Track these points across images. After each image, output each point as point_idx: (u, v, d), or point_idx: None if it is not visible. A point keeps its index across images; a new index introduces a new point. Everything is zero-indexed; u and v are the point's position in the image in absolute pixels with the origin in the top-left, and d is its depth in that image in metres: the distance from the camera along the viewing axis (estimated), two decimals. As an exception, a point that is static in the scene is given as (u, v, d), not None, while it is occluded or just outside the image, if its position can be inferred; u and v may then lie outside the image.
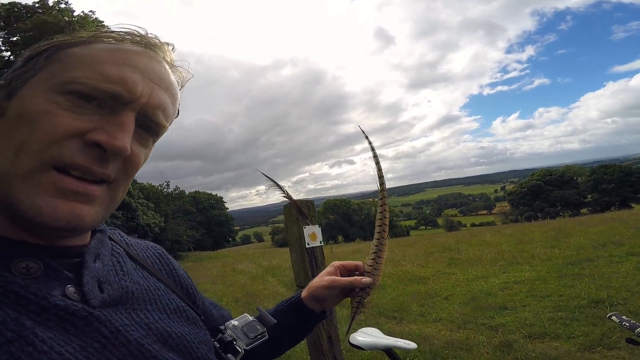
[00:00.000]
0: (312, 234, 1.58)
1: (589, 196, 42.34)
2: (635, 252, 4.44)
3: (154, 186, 22.72)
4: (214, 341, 0.51)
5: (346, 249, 12.79)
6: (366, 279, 0.62)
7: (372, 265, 0.64)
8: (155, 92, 0.38)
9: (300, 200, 1.61)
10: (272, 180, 1.15)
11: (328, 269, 0.67)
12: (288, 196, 1.21)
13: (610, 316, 1.08)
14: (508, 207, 55.12)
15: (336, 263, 0.67)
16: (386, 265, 5.06)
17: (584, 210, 36.29)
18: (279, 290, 5.64)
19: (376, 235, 0.64)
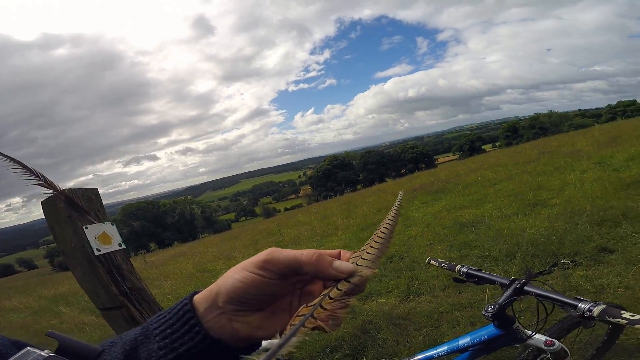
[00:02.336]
0: (103, 235, 1.12)
1: (361, 175, 56.77)
2: (401, 213, 6.25)
3: None
4: None
5: (165, 255, 11.32)
6: (345, 264, 0.33)
7: (368, 254, 0.34)
8: None
9: (73, 189, 1.10)
10: (12, 159, 0.75)
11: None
12: (45, 183, 0.88)
13: (429, 261, 1.22)
14: (310, 190, 64.90)
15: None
16: (217, 261, 4.83)
17: (359, 186, 47.56)
18: (84, 320, 4.33)
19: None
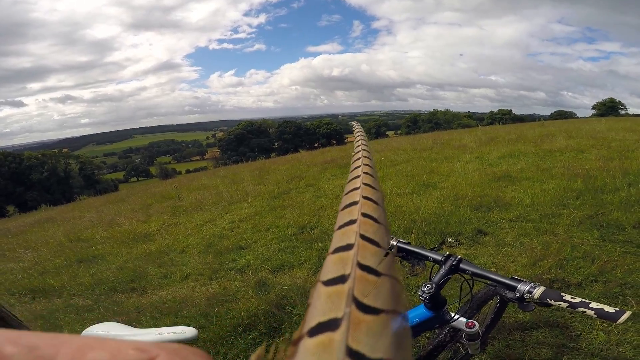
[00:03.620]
0: None
1: (276, 143, 56.51)
2: (311, 183, 6.26)
3: None
4: None
5: (26, 220, 9.19)
6: None
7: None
8: None
9: None
10: None
11: None
12: None
13: None
14: (218, 153, 61.16)
15: None
16: (96, 227, 4.10)
17: (273, 155, 47.07)
18: None
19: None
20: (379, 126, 62.67)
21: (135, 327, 1.12)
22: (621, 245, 2.50)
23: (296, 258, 3.01)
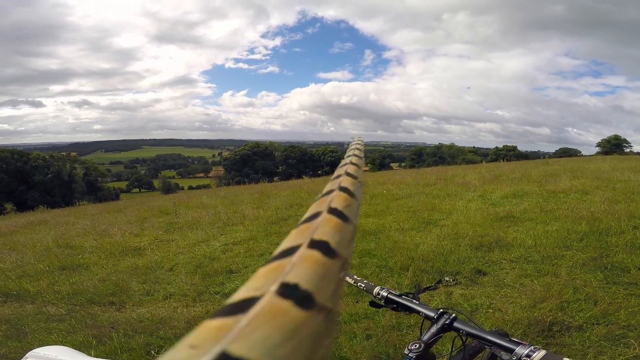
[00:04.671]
0: None
1: (281, 167, 56.93)
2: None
3: None
4: None
5: (19, 220, 9.10)
6: None
7: None
8: None
9: None
10: None
11: None
12: None
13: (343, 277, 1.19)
14: (222, 172, 61.65)
15: None
16: (87, 236, 4.02)
17: (276, 178, 47.34)
18: None
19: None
20: (383, 157, 63.26)
21: (86, 353, 1.03)
22: (625, 287, 2.44)
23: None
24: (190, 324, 2.36)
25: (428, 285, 0.99)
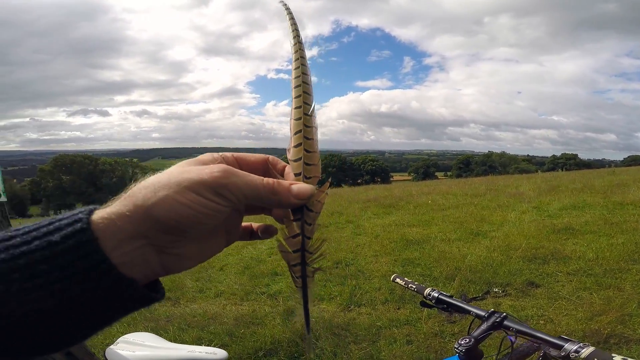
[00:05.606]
0: None
1: (321, 176, 58.17)
2: (351, 220, 6.24)
3: None
4: None
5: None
6: (304, 187, 0.29)
7: (300, 160, 0.31)
8: None
9: None
10: None
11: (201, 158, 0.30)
12: None
13: (395, 279, 1.11)
14: (265, 181, 63.96)
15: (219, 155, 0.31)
16: None
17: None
18: None
19: (294, 104, 0.32)
20: (427, 166, 61.04)
21: (164, 337, 1.18)
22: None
23: (327, 292, 2.96)
24: (238, 321, 2.52)
25: (475, 296, 1.01)
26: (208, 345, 1.48)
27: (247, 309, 2.77)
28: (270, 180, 0.28)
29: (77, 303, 0.22)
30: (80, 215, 0.23)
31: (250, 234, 0.35)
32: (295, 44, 0.33)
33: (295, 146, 0.31)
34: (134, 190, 0.25)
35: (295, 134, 0.31)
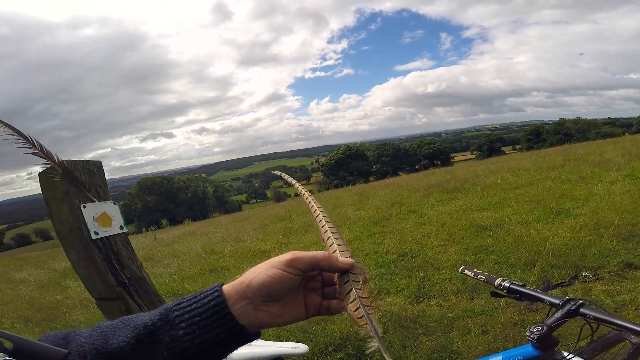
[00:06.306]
0: (102, 216, 1.00)
1: (374, 166, 56.38)
2: (413, 209, 6.09)
3: None
4: None
5: (175, 232, 11.52)
6: (346, 259, 0.44)
7: (340, 246, 0.46)
8: None
9: (73, 162, 0.97)
10: (7, 126, 0.70)
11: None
12: (42, 153, 0.83)
13: (463, 270, 1.10)
14: (321, 177, 64.75)
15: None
16: (225, 243, 4.80)
17: (371, 178, 47.27)
18: (89, 296, 4.44)
19: (323, 220, 0.53)
20: (491, 142, 55.98)
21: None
22: None
23: (394, 285, 2.97)
24: (310, 319, 2.66)
25: (560, 282, 0.96)
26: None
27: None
28: (322, 252, 0.44)
29: (212, 341, 0.38)
30: (216, 288, 0.40)
31: (325, 308, 0.47)
32: (302, 193, 0.58)
33: (329, 241, 0.49)
34: (246, 273, 0.42)
35: (328, 239, 0.49)
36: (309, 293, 0.45)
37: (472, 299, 2.43)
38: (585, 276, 2.46)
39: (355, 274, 0.43)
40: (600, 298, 2.15)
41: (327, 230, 0.50)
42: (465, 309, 2.27)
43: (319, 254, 0.43)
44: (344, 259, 0.43)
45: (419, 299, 2.64)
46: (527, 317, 2.01)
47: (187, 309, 0.38)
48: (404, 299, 2.69)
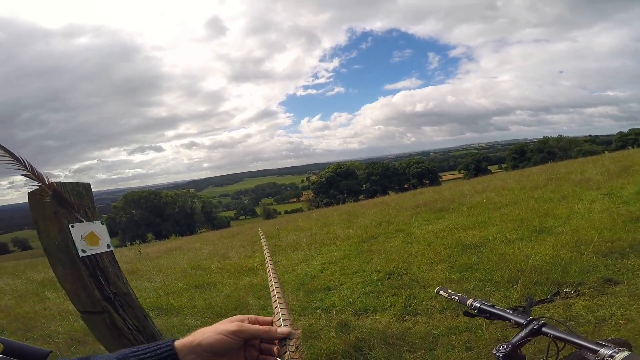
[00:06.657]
0: (90, 235, 1.04)
1: (364, 185, 56.64)
2: (401, 228, 6.14)
3: None
4: None
5: (161, 247, 11.24)
6: (284, 329, 0.54)
7: (283, 315, 0.56)
8: None
9: (62, 183, 1.01)
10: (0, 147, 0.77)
11: (231, 319, 0.56)
12: (33, 174, 0.86)
13: (439, 291, 1.16)
14: (312, 195, 64.68)
15: (240, 317, 0.57)
16: (212, 259, 4.72)
17: (361, 197, 47.46)
18: (69, 307, 4.26)
19: (275, 290, 0.61)
20: (478, 161, 57.32)
21: None
22: None
23: (380, 303, 2.96)
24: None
25: (543, 298, 1.01)
26: None
27: (304, 323, 2.88)
28: (266, 327, 0.54)
29: None
30: (169, 342, 0.50)
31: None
32: (266, 261, 0.69)
33: (276, 310, 0.58)
34: (195, 333, 0.52)
35: (275, 307, 0.59)
36: (249, 348, 0.55)
37: (456, 316, 2.44)
38: (566, 292, 2.51)
39: (292, 338, 0.52)
40: (581, 314, 2.19)
41: (276, 300, 0.59)
42: (449, 326, 2.27)
43: (261, 329, 0.53)
44: (282, 329, 0.53)
45: (404, 317, 2.63)
46: (509, 333, 2.02)
47: (141, 357, 0.46)
48: (390, 317, 2.68)
